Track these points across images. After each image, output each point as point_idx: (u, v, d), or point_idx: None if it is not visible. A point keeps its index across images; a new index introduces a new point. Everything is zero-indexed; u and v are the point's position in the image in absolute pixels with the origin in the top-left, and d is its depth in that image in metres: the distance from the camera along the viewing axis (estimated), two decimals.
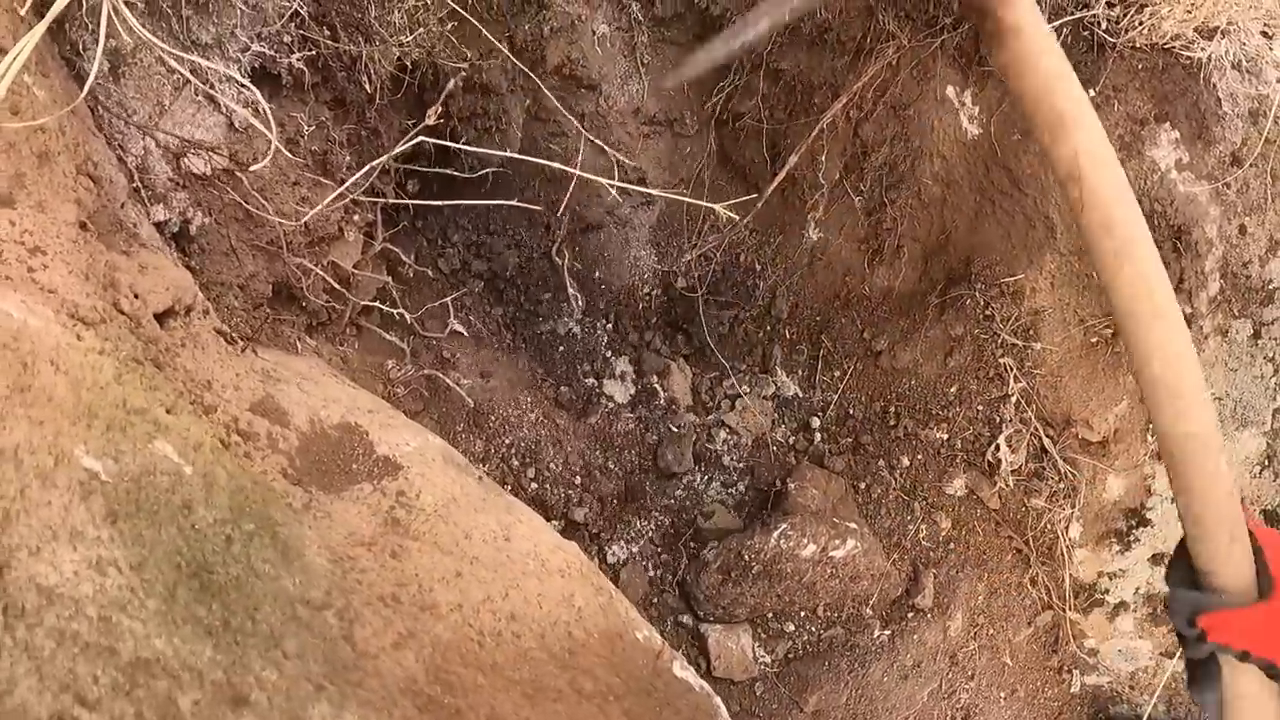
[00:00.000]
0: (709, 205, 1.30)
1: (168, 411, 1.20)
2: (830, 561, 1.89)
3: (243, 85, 1.51)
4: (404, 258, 1.86)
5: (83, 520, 0.95)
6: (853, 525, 1.94)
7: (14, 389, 0.96)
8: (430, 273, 1.90)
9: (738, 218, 1.19)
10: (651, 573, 2.07)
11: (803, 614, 1.97)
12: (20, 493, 0.92)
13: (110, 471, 1.02)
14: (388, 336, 1.84)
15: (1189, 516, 1.15)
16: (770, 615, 1.97)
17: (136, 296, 1.34)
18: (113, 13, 1.30)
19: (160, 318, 1.39)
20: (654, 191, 1.58)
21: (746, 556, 1.88)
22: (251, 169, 1.40)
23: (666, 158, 2.05)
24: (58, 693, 0.80)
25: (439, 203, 1.67)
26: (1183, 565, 1.13)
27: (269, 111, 1.39)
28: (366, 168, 1.42)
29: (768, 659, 1.95)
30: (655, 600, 2.06)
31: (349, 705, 1.01)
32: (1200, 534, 1.14)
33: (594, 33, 1.87)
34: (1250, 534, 1.15)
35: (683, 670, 1.41)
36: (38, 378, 1.00)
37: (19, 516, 0.90)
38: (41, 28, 1.24)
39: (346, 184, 1.44)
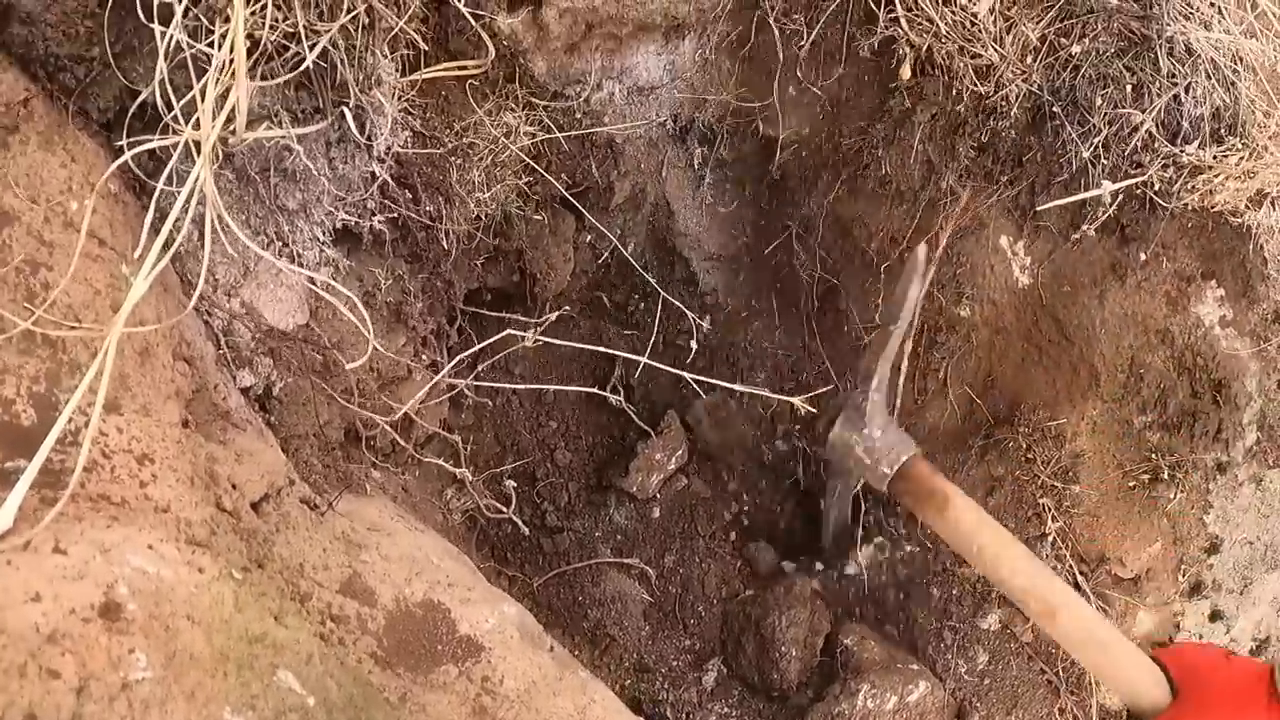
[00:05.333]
0: (787, 399, 1.34)
1: (276, 619, 1.24)
2: (907, 708, 1.96)
3: (334, 259, 1.53)
4: (466, 392, 1.89)
5: None
6: (915, 666, 2.01)
7: (166, 661, 0.99)
8: (490, 403, 1.94)
9: (815, 410, 1.23)
10: None
11: None
12: None
13: None
14: (447, 466, 1.87)
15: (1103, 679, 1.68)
16: None
17: (234, 487, 1.37)
18: (215, 221, 1.31)
19: (254, 505, 1.42)
20: (735, 386, 1.62)
21: None
22: (349, 367, 1.43)
23: (725, 288, 2.10)
24: None
25: (509, 385, 1.70)
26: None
27: (357, 304, 1.42)
28: (459, 358, 1.45)
29: None
30: None
31: None
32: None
33: (660, 173, 1.90)
34: (1154, 659, 1.51)
35: None
36: (179, 639, 1.03)
37: None
38: (153, 273, 1.22)
39: (432, 370, 1.46)
